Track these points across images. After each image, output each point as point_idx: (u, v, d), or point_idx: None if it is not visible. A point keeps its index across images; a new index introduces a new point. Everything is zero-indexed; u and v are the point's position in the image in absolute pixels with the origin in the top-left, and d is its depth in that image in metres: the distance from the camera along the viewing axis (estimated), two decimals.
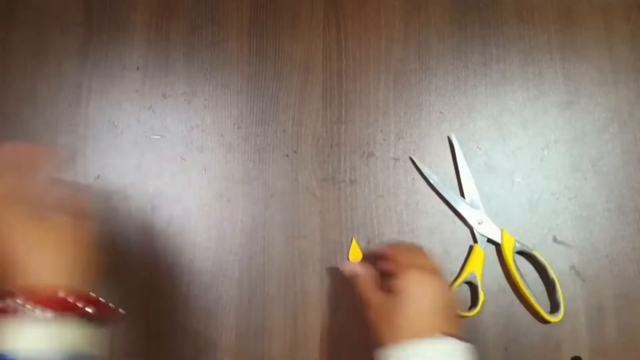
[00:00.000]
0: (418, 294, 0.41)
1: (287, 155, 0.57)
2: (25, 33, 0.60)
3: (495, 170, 0.57)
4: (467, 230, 0.55)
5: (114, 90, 0.59)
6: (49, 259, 0.35)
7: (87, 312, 0.34)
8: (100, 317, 0.35)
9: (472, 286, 0.54)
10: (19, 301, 0.32)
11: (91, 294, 0.36)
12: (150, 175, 0.57)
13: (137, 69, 0.59)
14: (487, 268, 0.54)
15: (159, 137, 0.58)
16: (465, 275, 0.53)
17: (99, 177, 0.57)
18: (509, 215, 0.56)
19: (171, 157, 0.57)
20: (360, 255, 0.52)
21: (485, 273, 0.54)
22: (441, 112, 0.58)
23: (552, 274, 0.53)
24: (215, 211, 0.56)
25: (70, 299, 0.34)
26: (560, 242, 0.55)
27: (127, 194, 0.56)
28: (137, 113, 0.58)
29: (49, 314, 0.32)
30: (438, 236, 0.55)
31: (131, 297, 0.54)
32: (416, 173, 0.57)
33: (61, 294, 0.34)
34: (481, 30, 0.60)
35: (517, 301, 0.54)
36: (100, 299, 0.36)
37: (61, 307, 0.33)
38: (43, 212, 0.36)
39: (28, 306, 0.32)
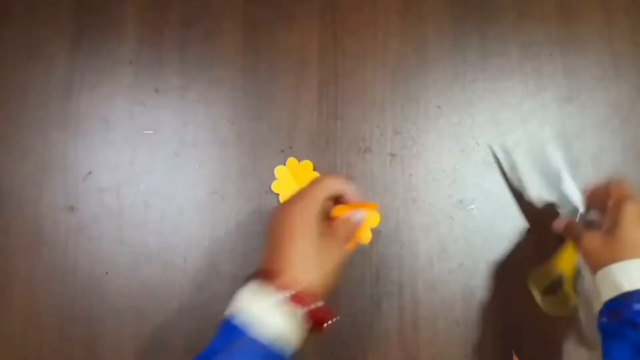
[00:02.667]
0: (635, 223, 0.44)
1: (282, 151, 0.56)
2: (15, 28, 0.59)
3: (494, 166, 0.56)
4: (463, 226, 0.55)
5: (106, 84, 0.58)
6: (314, 268, 0.39)
7: (324, 325, 0.39)
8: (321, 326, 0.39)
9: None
10: (286, 294, 0.36)
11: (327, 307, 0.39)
12: (143, 171, 0.56)
13: (130, 63, 0.58)
14: None
15: (151, 132, 0.57)
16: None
17: (90, 173, 0.56)
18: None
19: (164, 153, 0.56)
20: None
21: None
22: (439, 107, 0.58)
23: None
24: (209, 208, 0.55)
25: (322, 309, 0.38)
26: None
27: (119, 190, 0.55)
28: (129, 108, 0.57)
29: (299, 312, 0.37)
30: (435, 233, 0.55)
31: (125, 294, 0.53)
32: (413, 169, 0.56)
33: (319, 303, 0.38)
34: (480, 24, 0.59)
35: None
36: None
37: (315, 313, 0.37)
38: (325, 230, 0.40)
39: (293, 302, 0.36)
